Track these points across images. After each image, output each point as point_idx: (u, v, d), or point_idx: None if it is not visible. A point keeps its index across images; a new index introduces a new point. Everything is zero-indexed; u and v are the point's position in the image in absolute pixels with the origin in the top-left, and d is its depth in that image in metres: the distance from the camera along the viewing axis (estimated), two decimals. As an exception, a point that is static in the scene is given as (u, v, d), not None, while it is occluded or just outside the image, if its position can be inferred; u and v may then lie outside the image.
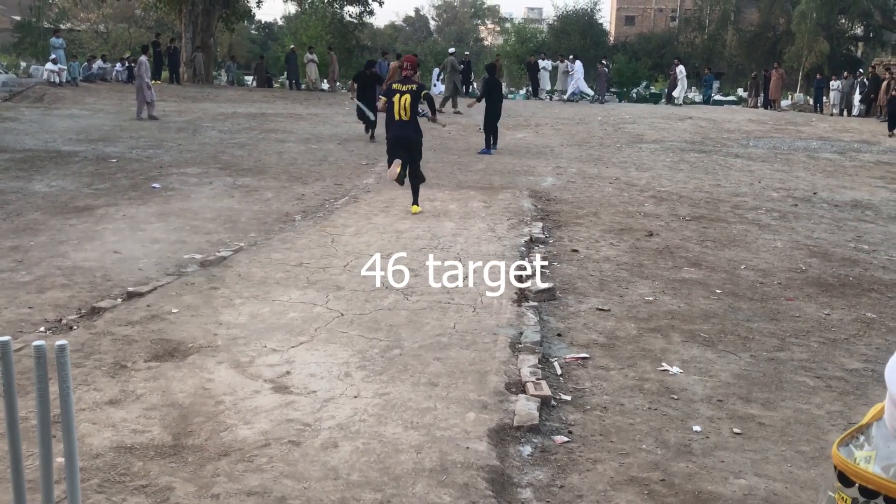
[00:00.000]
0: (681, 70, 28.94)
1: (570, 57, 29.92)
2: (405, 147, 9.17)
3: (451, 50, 25.57)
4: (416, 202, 9.25)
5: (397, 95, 9.05)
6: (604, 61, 31.07)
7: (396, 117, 9.11)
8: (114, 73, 29.49)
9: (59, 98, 22.50)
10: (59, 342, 2.57)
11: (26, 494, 2.63)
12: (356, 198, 10.14)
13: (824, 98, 30.23)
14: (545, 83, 29.99)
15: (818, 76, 32.43)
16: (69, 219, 8.59)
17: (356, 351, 4.74)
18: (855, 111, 27.38)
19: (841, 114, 27.35)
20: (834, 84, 28.92)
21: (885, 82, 25.79)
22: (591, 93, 29.07)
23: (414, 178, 9.33)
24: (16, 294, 5.87)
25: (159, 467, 3.30)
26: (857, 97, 27.67)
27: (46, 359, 2.56)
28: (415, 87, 9.14)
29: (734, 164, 14.61)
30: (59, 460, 2.74)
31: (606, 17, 61.88)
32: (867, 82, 27.43)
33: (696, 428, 3.98)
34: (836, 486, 1.29)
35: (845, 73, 30.07)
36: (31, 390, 3.64)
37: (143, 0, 34.40)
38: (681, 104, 28.21)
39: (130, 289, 5.91)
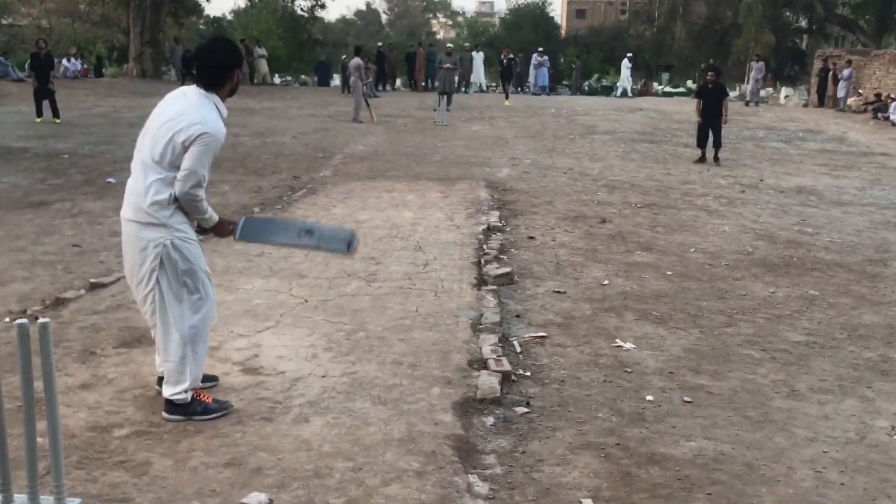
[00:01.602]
0: (625, 63, 30.17)
1: (539, 50, 30.64)
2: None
3: (449, 45, 26.63)
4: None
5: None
6: (540, 50, 31.73)
7: None
8: (60, 70, 28.97)
9: (4, 94, 22.08)
10: (41, 320, 2.68)
11: (10, 472, 2.73)
12: (314, 190, 10.22)
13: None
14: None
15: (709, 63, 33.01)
16: (25, 214, 8.54)
17: (322, 334, 4.87)
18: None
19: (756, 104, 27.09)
20: (758, 66, 27.99)
21: (830, 73, 26.63)
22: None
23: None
24: (-23, 287, 5.86)
25: (136, 444, 3.40)
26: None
27: (29, 336, 2.67)
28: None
29: (684, 153, 14.99)
30: (39, 440, 2.82)
31: (558, 10, 62.53)
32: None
33: (649, 398, 4.20)
34: None
35: (755, 57, 29.88)
36: (9, 370, 3.71)
37: (88, -5, 33.86)
38: (629, 96, 28.95)
39: (93, 280, 5.95)
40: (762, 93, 35.48)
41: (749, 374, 4.62)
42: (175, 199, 3.53)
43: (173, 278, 3.58)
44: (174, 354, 3.62)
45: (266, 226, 4.17)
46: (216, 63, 3.66)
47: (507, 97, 25.25)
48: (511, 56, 29.72)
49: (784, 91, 34.92)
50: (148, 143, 3.59)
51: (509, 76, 29.48)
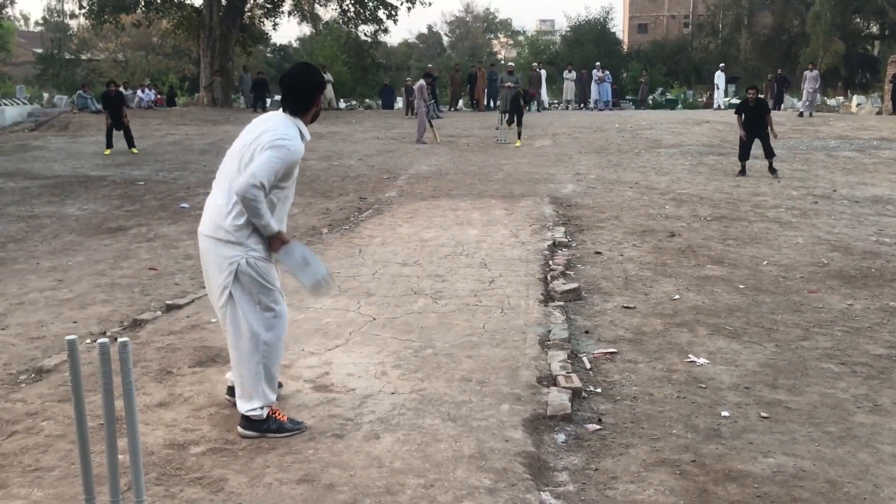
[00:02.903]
0: (719, 76, 29.19)
1: (598, 65, 30.46)
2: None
3: (510, 65, 26.11)
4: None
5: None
6: (598, 65, 31.18)
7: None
8: (135, 100, 30.02)
9: (83, 126, 22.98)
10: (121, 339, 2.76)
11: (94, 488, 2.81)
12: (380, 210, 10.34)
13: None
14: (569, 94, 30.50)
15: (776, 73, 31.84)
16: (103, 239, 8.84)
17: (390, 352, 4.90)
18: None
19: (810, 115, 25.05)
20: (812, 74, 25.62)
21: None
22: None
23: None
24: (60, 310, 6.09)
25: (212, 461, 3.47)
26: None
27: (110, 356, 2.75)
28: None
29: (753, 165, 14.66)
30: (120, 457, 2.90)
31: (619, 25, 62.12)
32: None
33: (725, 413, 4.10)
34: None
35: (810, 65, 27.95)
36: (90, 389, 3.82)
37: (160, 28, 35.00)
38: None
39: (169, 301, 6.11)
40: (832, 101, 34.53)
41: (828, 389, 4.47)
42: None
43: (248, 295, 3.68)
44: (248, 370, 3.70)
45: (305, 260, 4.00)
46: (301, 87, 3.77)
47: (518, 136, 18.45)
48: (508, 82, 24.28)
49: (856, 99, 33.91)
50: (233, 164, 3.70)
51: (516, 106, 19.26)
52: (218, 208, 3.69)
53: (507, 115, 19.91)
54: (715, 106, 29.99)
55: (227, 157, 3.78)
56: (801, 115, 24.79)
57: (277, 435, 3.71)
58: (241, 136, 3.80)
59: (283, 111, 3.78)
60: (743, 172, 13.58)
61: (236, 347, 3.72)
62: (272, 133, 3.64)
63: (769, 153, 13.47)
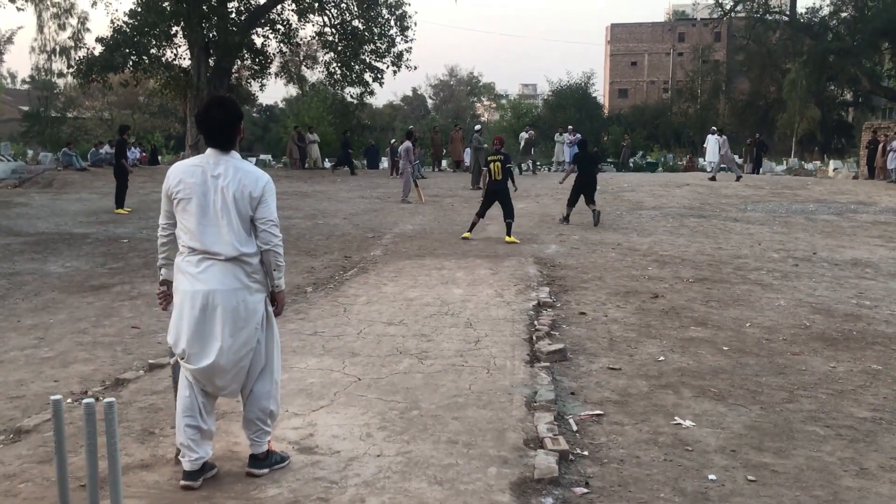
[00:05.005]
0: (723, 140, 26.38)
1: (570, 128, 30.90)
2: (500, 197, 12.98)
3: (477, 127, 26.06)
4: (509, 234, 12.91)
5: (493, 163, 13.13)
6: (564, 133, 31.42)
7: (492, 177, 13.13)
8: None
9: (67, 183, 22.99)
10: (107, 399, 2.74)
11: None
12: (365, 269, 10.35)
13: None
14: (561, 156, 30.77)
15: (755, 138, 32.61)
16: (86, 297, 8.78)
17: (376, 413, 4.86)
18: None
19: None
20: (721, 139, 26.06)
21: (880, 144, 26.38)
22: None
23: (508, 217, 12.98)
24: (41, 369, 6.02)
25: (194, 525, 3.40)
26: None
27: (95, 416, 2.72)
28: (502, 157, 13.15)
29: (734, 227, 14.87)
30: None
31: (600, 90, 63.36)
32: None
33: (712, 477, 4.09)
34: None
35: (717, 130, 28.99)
36: (69, 450, 3.76)
37: (147, 87, 35.28)
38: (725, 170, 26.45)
39: (152, 361, 6.06)
40: (809, 166, 35.14)
41: (815, 452, 4.47)
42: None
43: (273, 332, 3.94)
44: (275, 404, 3.94)
45: None
46: (230, 122, 3.83)
47: (508, 230, 13.18)
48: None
49: (832, 164, 34.63)
50: (231, 216, 3.72)
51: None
52: (233, 260, 3.73)
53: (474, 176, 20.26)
54: (710, 171, 28.80)
55: (214, 215, 3.72)
56: (712, 178, 24.86)
57: (281, 465, 3.98)
58: (206, 187, 3.74)
59: (217, 150, 3.80)
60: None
61: (272, 381, 3.92)
62: (255, 176, 3.78)
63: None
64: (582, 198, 15.11)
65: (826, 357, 6.49)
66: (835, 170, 32.79)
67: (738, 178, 24.96)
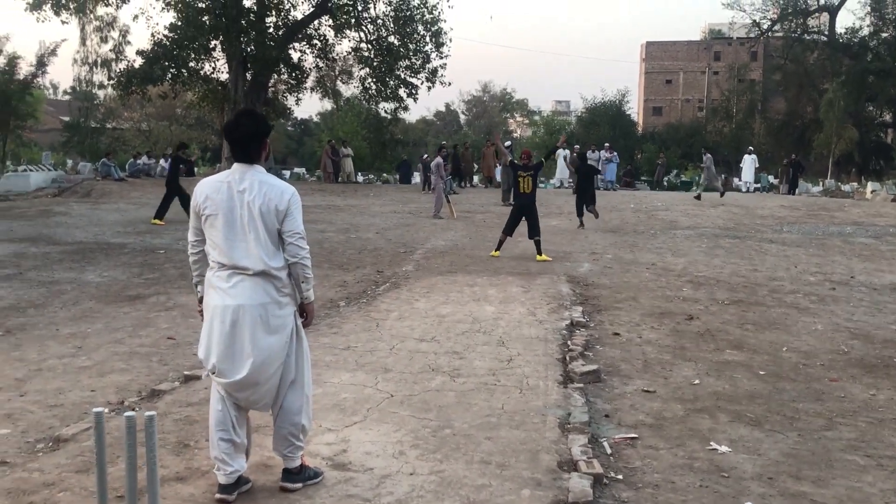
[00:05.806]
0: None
1: (606, 145, 30.86)
2: (527, 212, 12.88)
3: (507, 143, 25.61)
4: (539, 252, 12.85)
5: (521, 177, 12.94)
6: (607, 145, 31.46)
7: (520, 191, 13.01)
8: (158, 169, 30.57)
9: (106, 193, 23.37)
10: (148, 413, 2.77)
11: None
12: (397, 284, 10.37)
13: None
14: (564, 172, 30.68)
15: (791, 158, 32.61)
16: (122, 307, 8.90)
17: (409, 430, 4.86)
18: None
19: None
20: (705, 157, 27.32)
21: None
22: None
23: (534, 235, 12.90)
24: (78, 378, 6.10)
25: (229, 539, 3.42)
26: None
27: (136, 428, 2.76)
28: (532, 171, 12.99)
29: (769, 249, 14.70)
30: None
31: (634, 108, 63.11)
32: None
33: (749, 504, 4.02)
34: None
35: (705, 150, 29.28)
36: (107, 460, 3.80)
37: (185, 99, 35.81)
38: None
39: (187, 372, 6.11)
40: (846, 187, 34.61)
41: (855, 482, 4.38)
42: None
43: (302, 345, 3.97)
44: (307, 419, 4.00)
45: None
46: (252, 134, 3.87)
47: (538, 248, 13.08)
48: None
49: (870, 185, 34.08)
50: (258, 231, 3.75)
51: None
52: (262, 276, 3.76)
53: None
54: (744, 189, 29.60)
55: (242, 229, 3.76)
56: (697, 197, 24.92)
57: (315, 480, 3.99)
58: (233, 201, 3.77)
59: (243, 163, 3.83)
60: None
61: (302, 395, 3.94)
62: (280, 189, 3.81)
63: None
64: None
65: (865, 384, 6.38)
66: (873, 192, 32.24)
67: (722, 195, 25.49)
